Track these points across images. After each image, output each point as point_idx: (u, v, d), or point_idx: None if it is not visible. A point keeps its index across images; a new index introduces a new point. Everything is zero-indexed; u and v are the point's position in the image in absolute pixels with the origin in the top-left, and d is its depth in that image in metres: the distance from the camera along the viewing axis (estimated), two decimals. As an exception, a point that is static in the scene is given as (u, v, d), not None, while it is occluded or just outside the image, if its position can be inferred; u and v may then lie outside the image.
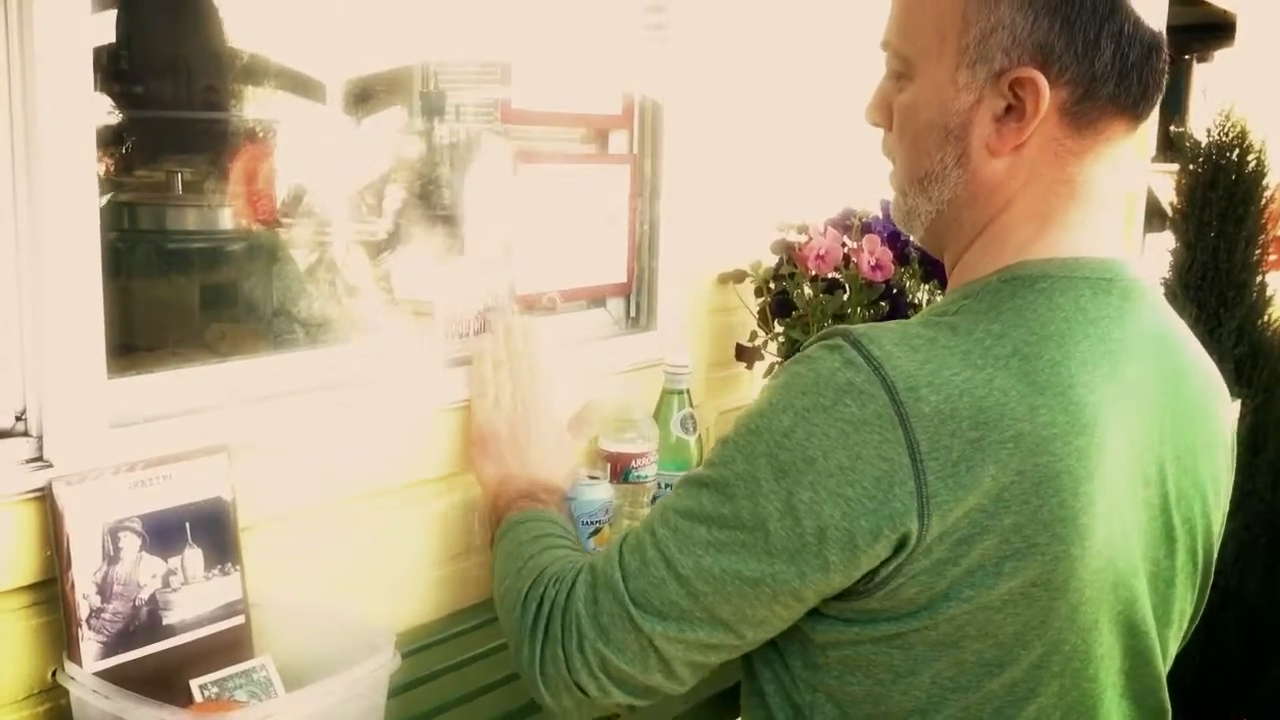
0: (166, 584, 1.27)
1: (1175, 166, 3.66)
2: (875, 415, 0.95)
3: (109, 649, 1.22)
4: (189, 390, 1.35)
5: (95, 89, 1.21)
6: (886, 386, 0.96)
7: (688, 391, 1.87)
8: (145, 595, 1.25)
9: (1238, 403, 3.08)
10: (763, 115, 2.08)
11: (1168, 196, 3.69)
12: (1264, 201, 3.48)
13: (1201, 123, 3.56)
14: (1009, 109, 1.03)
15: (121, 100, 1.87)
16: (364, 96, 2.10)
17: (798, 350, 1.97)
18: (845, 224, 1.97)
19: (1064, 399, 0.98)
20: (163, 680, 1.25)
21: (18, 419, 1.21)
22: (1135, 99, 1.05)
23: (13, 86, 1.15)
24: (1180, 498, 1.12)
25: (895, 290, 1.95)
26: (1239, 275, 3.45)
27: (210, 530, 1.31)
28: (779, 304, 2.00)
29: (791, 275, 1.99)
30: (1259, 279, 3.49)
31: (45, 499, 1.19)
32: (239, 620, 1.34)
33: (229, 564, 1.33)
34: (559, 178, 1.82)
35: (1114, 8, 1.01)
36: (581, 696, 1.13)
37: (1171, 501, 1.11)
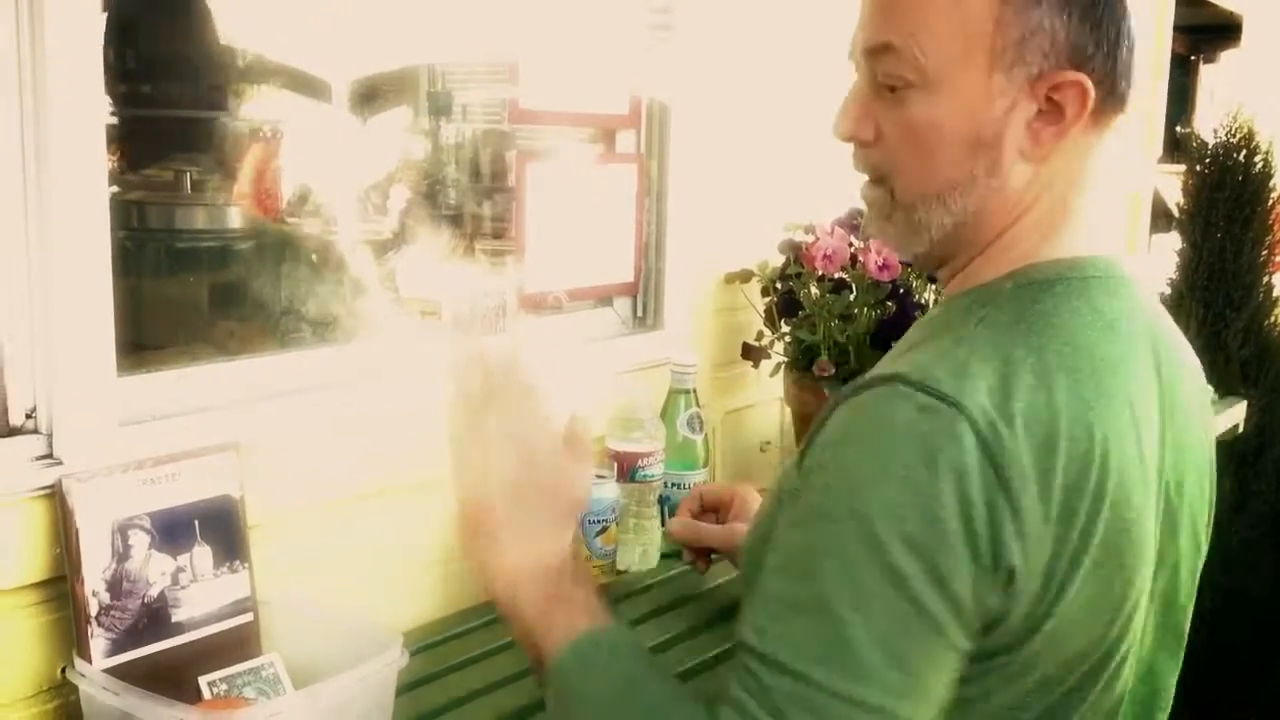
0: (175, 581, 1.28)
1: (1182, 167, 3.67)
2: (974, 461, 0.89)
3: (118, 646, 1.23)
4: (198, 388, 1.36)
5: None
6: (971, 424, 0.90)
7: (694, 391, 1.87)
8: (154, 592, 1.26)
9: (1243, 403, 3.08)
10: (769, 114, 2.09)
11: (1174, 197, 3.70)
12: (1270, 202, 3.48)
13: (1208, 124, 3.56)
14: (1039, 113, 1.01)
15: (128, 99, 1.87)
16: (370, 96, 2.11)
17: (806, 353, 2.00)
18: (852, 223, 1.97)
19: (1109, 411, 0.97)
20: (172, 677, 1.25)
21: (28, 417, 1.21)
22: (1130, 88, 1.05)
23: (24, 86, 1.15)
24: (1180, 485, 1.11)
25: (902, 290, 1.95)
26: (1245, 276, 3.46)
27: (219, 528, 1.31)
28: (785, 304, 2.01)
29: (798, 275, 1.99)
30: (1265, 280, 3.50)
31: (55, 496, 1.20)
32: (247, 618, 1.34)
33: (238, 561, 1.33)
34: (566, 177, 1.82)
35: (1124, 5, 1.01)
36: None
37: (1172, 490, 1.10)
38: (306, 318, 1.73)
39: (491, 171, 2.10)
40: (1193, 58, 6.13)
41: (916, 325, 1.13)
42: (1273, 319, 3.50)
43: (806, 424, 1.85)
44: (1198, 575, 1.18)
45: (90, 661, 1.20)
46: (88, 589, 1.20)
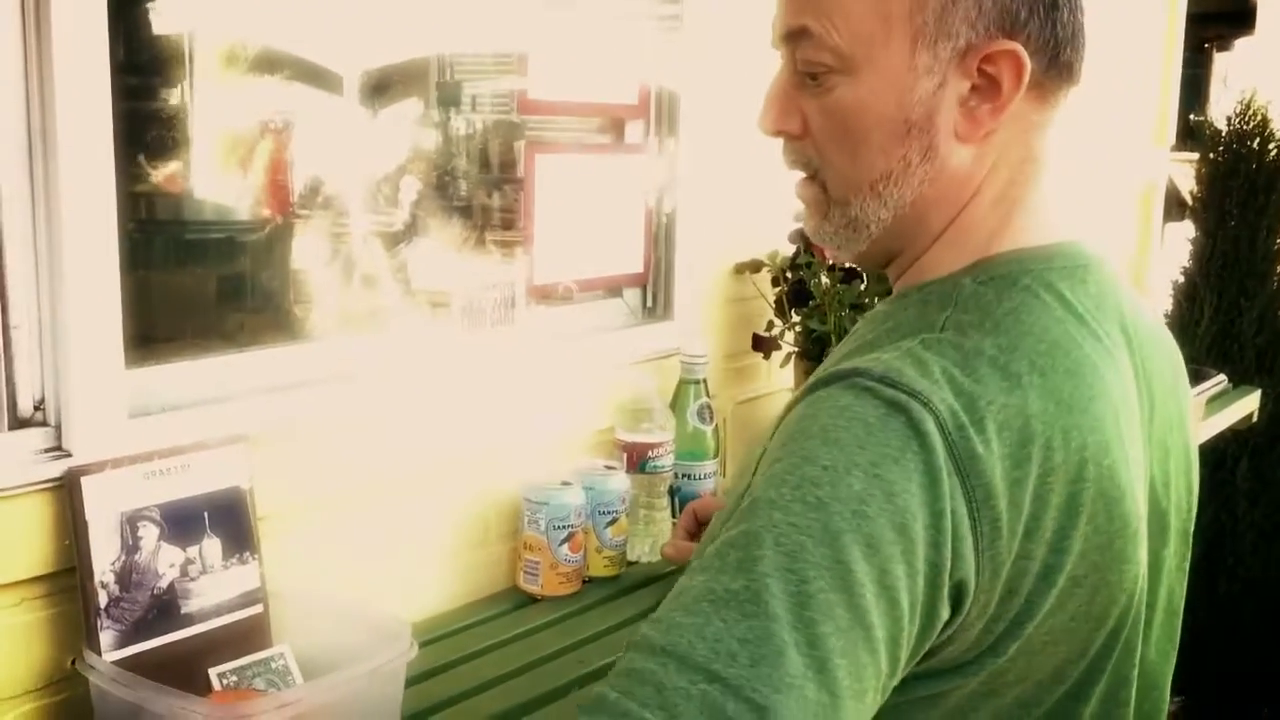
0: (185, 573, 1.28)
1: (1195, 155, 3.64)
2: (943, 463, 0.81)
3: (128, 638, 1.23)
4: (207, 380, 1.36)
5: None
6: (940, 425, 0.82)
7: (704, 381, 1.86)
8: (164, 584, 1.26)
9: (1257, 392, 3.06)
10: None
11: (1187, 185, 3.68)
12: (1285, 190, 3.46)
13: (1222, 111, 3.53)
14: (972, 89, 0.92)
15: (135, 91, 1.87)
16: (381, 88, 2.10)
17: (816, 342, 1.99)
18: (862, 213, 1.96)
19: (1087, 415, 0.89)
20: (181, 669, 1.25)
21: (36, 408, 1.21)
22: (1077, 61, 0.95)
23: (30, 77, 1.15)
24: (1167, 482, 1.05)
25: (913, 279, 1.94)
26: (1260, 264, 3.44)
27: (228, 519, 1.32)
28: (796, 293, 2.00)
29: (809, 264, 1.98)
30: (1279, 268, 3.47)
31: (63, 488, 1.20)
32: (257, 609, 1.34)
33: (247, 553, 1.33)
34: (575, 168, 1.81)
35: None
36: None
37: (1161, 492, 1.04)
38: (316, 310, 1.72)
39: (501, 162, 2.09)
40: (1206, 45, 6.09)
41: (865, 321, 1.01)
42: (1287, 307, 3.48)
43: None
44: (1187, 574, 1.14)
45: (100, 653, 1.20)
46: (97, 581, 1.21)
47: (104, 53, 1.18)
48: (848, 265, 1.95)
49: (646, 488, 1.79)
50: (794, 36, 0.95)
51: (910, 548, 0.79)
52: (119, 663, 1.20)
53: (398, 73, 2.15)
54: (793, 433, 0.85)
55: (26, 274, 1.18)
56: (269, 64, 1.90)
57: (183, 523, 1.28)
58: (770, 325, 2.07)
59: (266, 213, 1.89)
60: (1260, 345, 3.38)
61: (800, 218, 2.03)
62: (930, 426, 0.81)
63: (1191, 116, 3.86)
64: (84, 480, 1.19)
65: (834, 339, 1.94)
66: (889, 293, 1.92)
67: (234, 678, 1.30)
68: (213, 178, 1.86)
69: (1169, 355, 1.09)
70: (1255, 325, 3.38)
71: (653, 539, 1.80)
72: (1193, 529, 1.11)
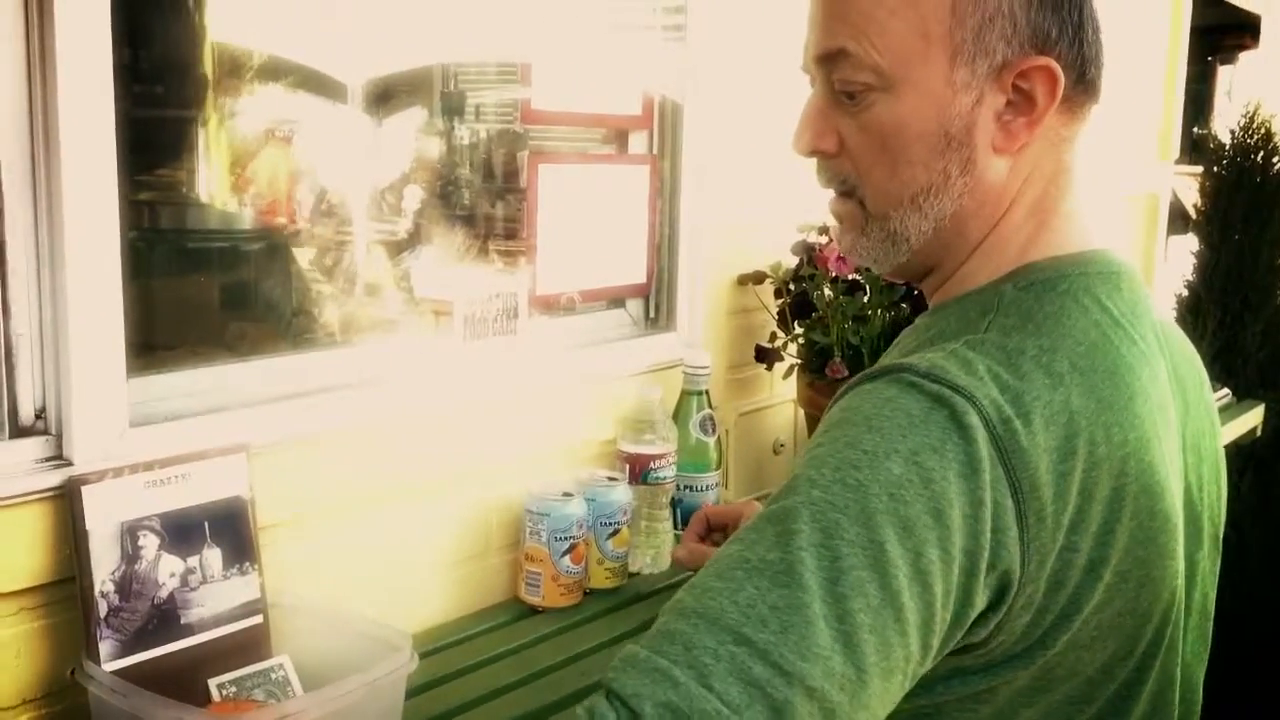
0: (185, 583, 1.27)
1: (1199, 169, 3.64)
2: (986, 455, 0.84)
3: (127, 648, 1.22)
4: (208, 390, 1.36)
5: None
6: (984, 419, 0.85)
7: (707, 392, 1.86)
8: (164, 594, 1.26)
9: (1260, 406, 3.05)
10: (783, 115, 2.07)
11: (1191, 199, 3.67)
12: (1289, 203, 3.46)
13: (1226, 124, 3.54)
14: (1008, 104, 0.97)
15: (138, 99, 1.87)
16: (385, 97, 2.10)
17: (819, 354, 1.98)
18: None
19: (1128, 413, 0.93)
20: (181, 679, 1.25)
21: (37, 417, 1.21)
22: (1101, 77, 1.00)
23: (34, 88, 1.15)
24: (1201, 486, 1.08)
25: (916, 291, 1.93)
26: (1263, 278, 3.43)
27: (229, 529, 1.31)
28: (799, 305, 2.00)
29: (812, 276, 1.98)
30: (1284, 281, 3.47)
31: (64, 497, 1.19)
32: (257, 620, 1.34)
33: (248, 563, 1.33)
34: (579, 178, 1.81)
35: None
36: None
37: (1196, 495, 1.07)
38: (319, 319, 1.72)
39: (504, 172, 2.09)
40: (1210, 58, 6.10)
41: (907, 333, 1.06)
42: (1291, 321, 3.48)
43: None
44: (1218, 577, 1.16)
45: (99, 663, 1.19)
46: (97, 590, 1.20)
47: (108, 65, 1.18)
48: (850, 277, 1.94)
49: (648, 499, 1.79)
50: (830, 58, 0.98)
51: (946, 534, 0.82)
52: (118, 672, 1.20)
53: (403, 81, 2.14)
54: (836, 420, 0.88)
55: (29, 283, 1.18)
56: (275, 72, 1.90)
57: (183, 532, 1.27)
58: (773, 337, 2.07)
59: (268, 221, 1.88)
60: (1263, 359, 3.38)
61: (805, 230, 2.04)
62: (973, 420, 0.84)
63: (1195, 129, 3.86)
64: (84, 489, 1.19)
65: (836, 351, 1.94)
66: (894, 305, 1.94)
67: (233, 688, 1.29)
68: (217, 186, 1.86)
69: (1195, 362, 1.12)
70: (1259, 339, 3.38)
71: (654, 550, 1.80)
72: (1222, 534, 1.13)
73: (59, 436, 1.21)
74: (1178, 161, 3.80)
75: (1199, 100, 3.93)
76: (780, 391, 2.14)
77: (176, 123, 1.83)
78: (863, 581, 0.79)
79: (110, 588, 1.21)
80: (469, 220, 2.01)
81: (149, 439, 1.27)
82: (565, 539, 1.64)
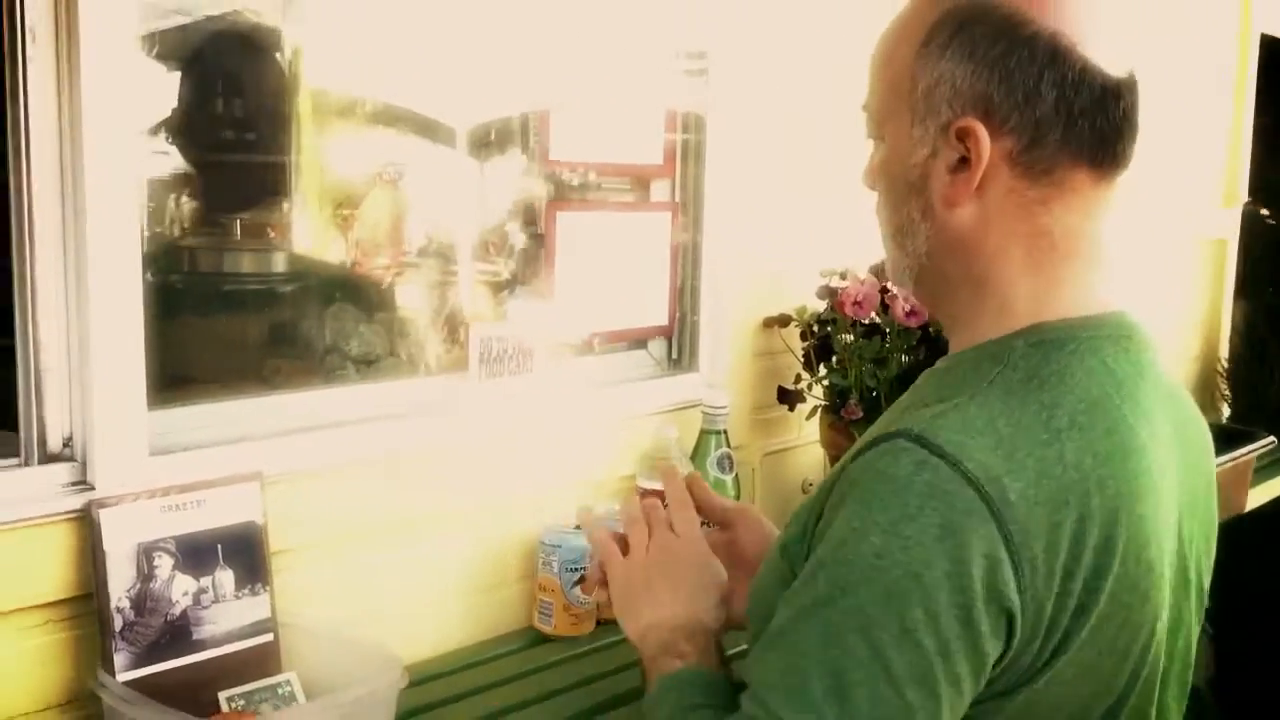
0: (198, 601, 1.37)
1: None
2: (965, 514, 0.92)
3: (141, 660, 1.32)
4: (224, 422, 1.45)
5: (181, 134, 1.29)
6: (969, 480, 0.93)
7: (725, 432, 1.91)
8: (177, 611, 1.35)
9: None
10: (806, 159, 2.13)
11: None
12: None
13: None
14: (962, 160, 1.04)
15: (218, 146, 1.98)
16: (484, 141, 2.14)
17: (840, 396, 2.03)
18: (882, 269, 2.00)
19: (1124, 468, 1.00)
20: (193, 691, 1.34)
21: (65, 445, 1.32)
22: (1092, 146, 1.03)
23: (64, 152, 1.26)
24: (1191, 541, 1.13)
25: (934, 334, 1.97)
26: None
27: (242, 552, 1.40)
28: (821, 348, 2.04)
29: (834, 320, 2.03)
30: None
31: (85, 519, 1.29)
32: (268, 638, 1.42)
33: (259, 584, 1.42)
34: (600, 224, 1.89)
35: (1055, 56, 1.01)
36: None
37: (1187, 548, 1.12)
38: (351, 356, 1.82)
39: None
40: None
41: (926, 376, 1.14)
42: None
43: (833, 466, 1.88)
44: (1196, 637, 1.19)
45: (114, 674, 1.29)
46: (113, 606, 1.30)
47: (129, 126, 1.29)
48: (868, 321, 1.99)
49: (663, 534, 1.84)
50: (865, 109, 1.14)
51: (926, 593, 0.92)
52: (132, 683, 1.29)
53: (501, 127, 2.17)
54: (847, 493, 0.99)
55: (58, 323, 1.29)
56: (380, 117, 1.98)
57: (197, 554, 1.37)
58: (798, 379, 2.11)
59: (371, 261, 1.94)
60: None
61: (827, 275, 2.08)
62: (954, 486, 0.93)
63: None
64: (102, 512, 1.29)
65: (854, 393, 1.98)
66: (911, 348, 1.97)
67: (242, 701, 1.38)
68: (321, 227, 1.93)
69: (1200, 425, 1.19)
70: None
71: (668, 584, 1.85)
72: (1204, 592, 1.18)
73: (84, 463, 1.32)
74: (1250, 204, 3.74)
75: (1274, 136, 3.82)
76: (807, 432, 2.19)
77: (274, 167, 1.93)
78: (852, 645, 0.93)
79: (126, 604, 1.31)
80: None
81: (168, 467, 1.37)
82: (575, 569, 1.71)
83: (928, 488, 0.93)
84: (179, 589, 1.35)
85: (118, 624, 1.30)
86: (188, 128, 1.82)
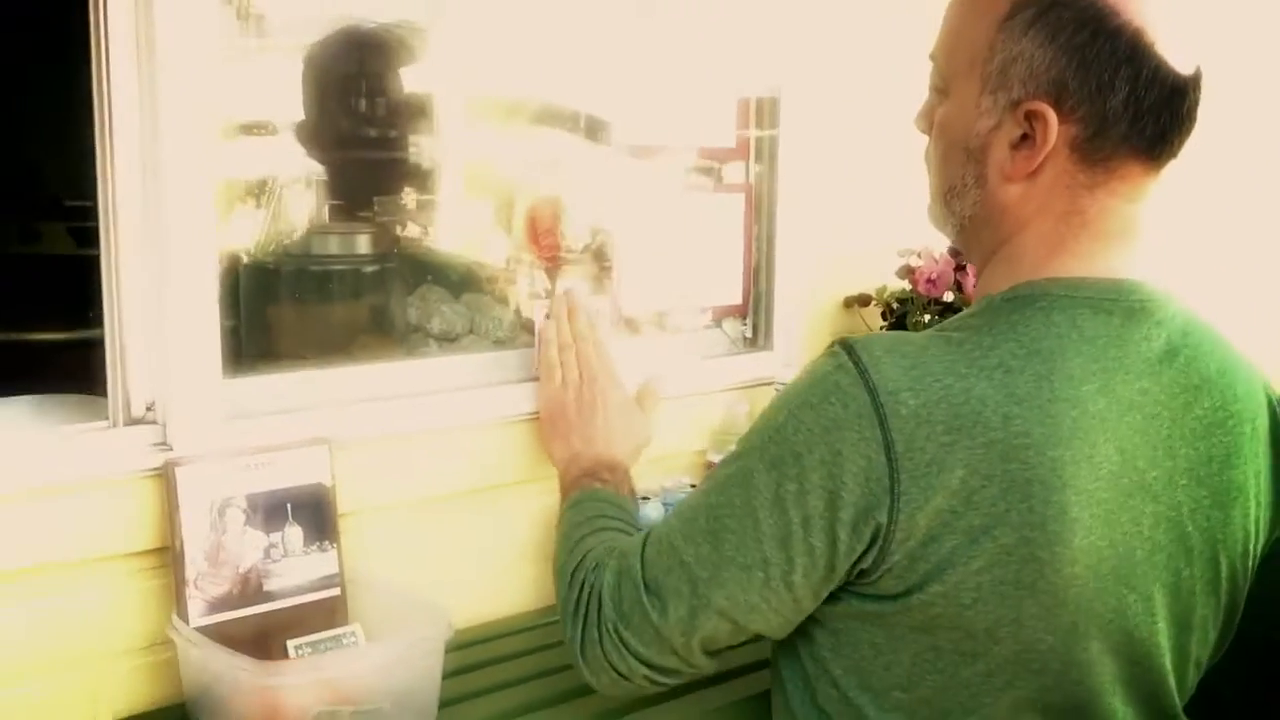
0: (268, 555, 1.48)
1: None
2: (856, 415, 1.03)
3: (213, 608, 1.43)
4: (296, 391, 1.56)
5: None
6: (869, 388, 1.03)
7: (797, 409, 1.94)
8: (248, 564, 1.46)
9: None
10: (889, 137, 2.13)
11: None
12: None
13: None
14: (1024, 138, 1.08)
15: (326, 145, 2.09)
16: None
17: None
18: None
19: (1041, 411, 1.04)
20: (261, 639, 1.45)
21: (148, 409, 1.44)
22: (1151, 140, 1.07)
23: (145, 147, 1.38)
24: (1196, 509, 1.14)
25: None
26: None
27: (310, 512, 1.51)
28: (896, 327, 2.06)
29: (911, 299, 2.04)
30: None
31: (164, 476, 1.42)
32: (335, 592, 1.53)
33: (327, 542, 1.52)
34: (678, 203, 1.95)
35: (1134, 53, 1.04)
36: (616, 675, 1.24)
37: (1185, 513, 1.13)
38: (433, 334, 1.91)
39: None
40: None
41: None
42: None
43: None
44: (1218, 600, 1.20)
45: (187, 621, 1.41)
46: (187, 557, 1.42)
47: (203, 119, 1.39)
48: (946, 301, 2.00)
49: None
50: (932, 58, 1.19)
51: (801, 472, 1.06)
52: (203, 629, 1.40)
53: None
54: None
55: (144, 300, 1.42)
56: (539, 114, 2.06)
57: (267, 511, 1.48)
58: (878, 357, 2.12)
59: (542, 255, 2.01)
60: None
61: (904, 254, 2.10)
62: (856, 390, 1.04)
63: None
64: (178, 470, 1.41)
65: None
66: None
67: (308, 649, 1.48)
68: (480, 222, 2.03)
69: (1229, 396, 1.18)
70: None
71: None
72: (1230, 561, 1.19)
73: (164, 426, 1.44)
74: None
75: None
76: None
77: (397, 163, 2.05)
78: (732, 496, 1.12)
79: (199, 555, 1.43)
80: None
81: (242, 430, 1.48)
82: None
83: (835, 386, 1.05)
84: (250, 543, 1.46)
85: (191, 574, 1.42)
86: (320, 129, 1.94)
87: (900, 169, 2.12)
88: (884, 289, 2.10)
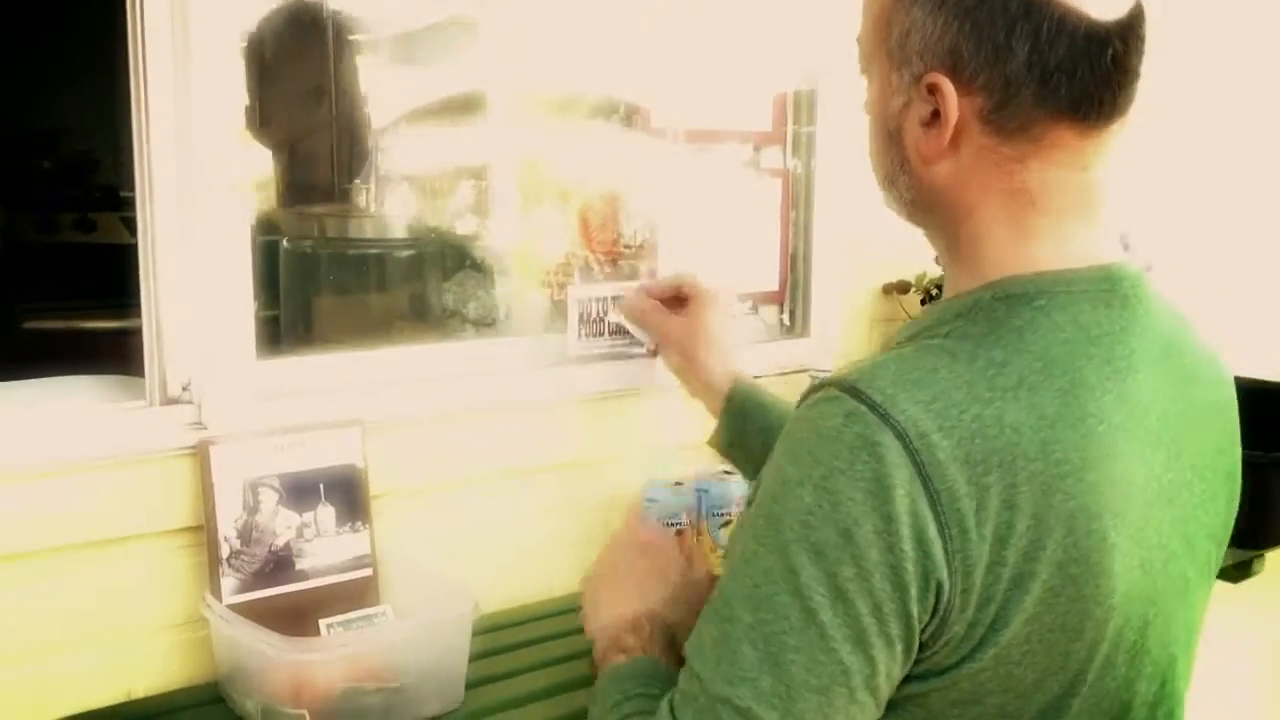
0: (300, 534, 1.50)
1: None
2: (894, 467, 0.89)
3: (246, 586, 1.45)
4: (329, 372, 1.58)
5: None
6: (897, 433, 0.89)
7: (833, 396, 1.93)
8: (280, 543, 1.48)
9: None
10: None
11: None
12: None
13: None
14: (935, 114, 1.00)
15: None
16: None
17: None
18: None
19: (1074, 431, 0.94)
20: (294, 617, 1.46)
21: (184, 390, 1.46)
22: (1074, 101, 0.96)
23: (180, 132, 1.41)
24: (1198, 505, 1.08)
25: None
26: None
27: (342, 492, 1.53)
28: (934, 314, 2.04)
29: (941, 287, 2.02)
30: None
31: (199, 455, 1.44)
32: (367, 571, 1.54)
33: (360, 523, 1.54)
34: (713, 189, 1.94)
35: (1029, 7, 0.94)
36: None
37: (1189, 512, 1.07)
38: (469, 319, 1.93)
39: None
40: None
41: (905, 325, 1.11)
42: None
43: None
44: (1205, 594, 1.15)
45: (220, 598, 1.43)
46: (221, 535, 1.44)
47: (234, 109, 1.42)
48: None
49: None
50: (857, 41, 1.10)
51: (858, 551, 0.89)
52: (236, 607, 1.42)
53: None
54: (780, 447, 0.97)
55: (182, 284, 1.44)
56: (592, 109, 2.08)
57: (299, 491, 1.49)
58: (917, 345, 2.11)
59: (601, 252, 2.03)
60: None
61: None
62: (884, 437, 0.89)
63: None
64: (212, 449, 1.43)
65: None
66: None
67: (340, 628, 1.50)
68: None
69: (1215, 381, 1.12)
70: None
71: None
72: (1214, 553, 1.14)
73: (199, 406, 1.46)
74: None
75: None
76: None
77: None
78: (784, 606, 0.91)
79: (233, 533, 1.45)
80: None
81: (274, 411, 1.50)
82: (671, 526, 1.77)
83: (858, 440, 0.90)
84: (282, 522, 1.48)
85: (225, 551, 1.44)
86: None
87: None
88: (924, 275, 2.08)
